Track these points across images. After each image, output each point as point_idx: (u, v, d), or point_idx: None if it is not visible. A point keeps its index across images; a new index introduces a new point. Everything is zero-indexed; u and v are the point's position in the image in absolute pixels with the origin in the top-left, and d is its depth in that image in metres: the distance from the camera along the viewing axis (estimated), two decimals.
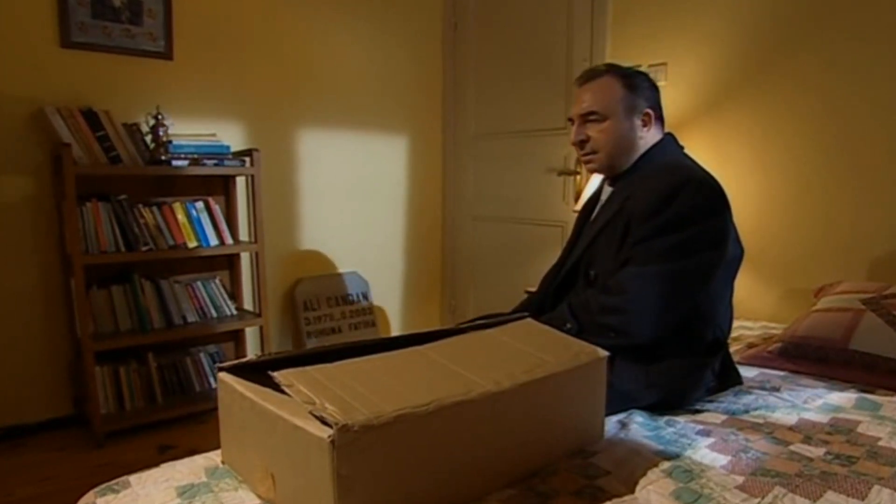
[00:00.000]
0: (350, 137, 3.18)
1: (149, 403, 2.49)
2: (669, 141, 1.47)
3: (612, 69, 1.45)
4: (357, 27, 3.13)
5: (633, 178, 1.42)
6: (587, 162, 1.48)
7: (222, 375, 0.97)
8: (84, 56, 2.40)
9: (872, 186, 2.03)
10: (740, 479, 0.95)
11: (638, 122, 1.42)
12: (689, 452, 1.05)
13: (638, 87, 1.43)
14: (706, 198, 1.30)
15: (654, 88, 1.47)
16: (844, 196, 2.10)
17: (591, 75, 1.45)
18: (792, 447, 1.08)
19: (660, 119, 1.47)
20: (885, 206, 2.01)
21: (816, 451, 1.06)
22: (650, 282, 1.26)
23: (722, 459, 1.02)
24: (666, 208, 1.28)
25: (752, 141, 2.32)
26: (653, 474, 0.97)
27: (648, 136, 1.44)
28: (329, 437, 0.73)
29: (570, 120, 1.49)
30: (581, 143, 1.45)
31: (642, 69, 1.51)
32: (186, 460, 1.03)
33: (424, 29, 3.40)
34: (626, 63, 1.52)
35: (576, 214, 1.71)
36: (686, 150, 1.50)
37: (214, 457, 1.04)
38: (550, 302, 1.52)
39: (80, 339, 2.28)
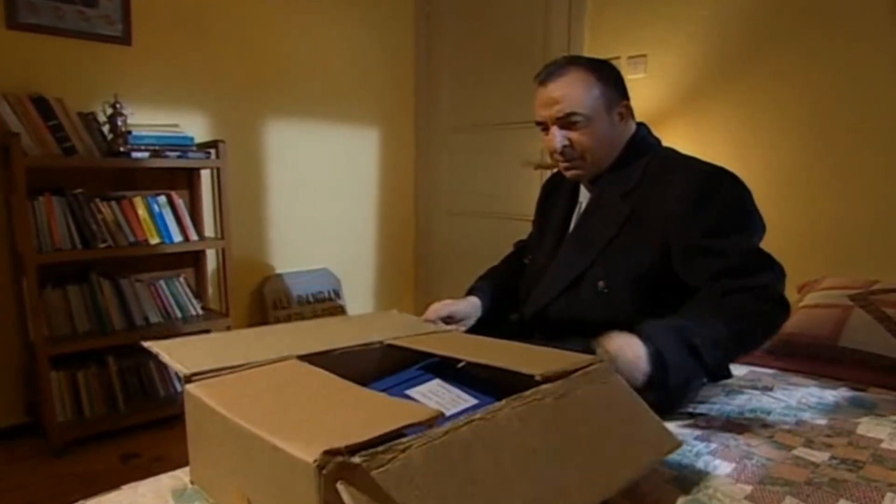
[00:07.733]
0: (320, 130, 3.07)
1: (110, 410, 2.35)
2: (648, 131, 1.38)
3: (577, 61, 1.30)
4: (326, 15, 3.02)
5: (625, 177, 1.30)
6: (570, 169, 1.34)
7: (189, 388, 0.88)
8: (33, 39, 2.24)
9: (854, 180, 2.03)
10: (748, 489, 0.90)
11: (616, 118, 1.31)
12: (691, 460, 1.00)
13: (609, 78, 1.30)
14: (742, 185, 1.31)
15: (621, 77, 1.35)
16: (826, 190, 2.09)
17: (555, 71, 1.28)
18: (795, 451, 1.04)
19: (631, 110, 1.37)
20: (867, 199, 2.01)
21: (821, 456, 1.02)
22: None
23: (726, 467, 0.97)
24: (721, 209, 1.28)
25: (732, 134, 2.30)
26: (658, 485, 0.91)
27: (626, 130, 1.34)
28: (315, 461, 0.65)
29: (540, 124, 1.33)
30: (563, 149, 1.30)
31: (619, 60, 1.43)
32: (151, 480, 0.94)
33: (396, 18, 3.30)
34: (605, 55, 1.44)
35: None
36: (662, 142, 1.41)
37: (182, 476, 0.94)
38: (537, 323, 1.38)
39: (34, 342, 2.14)
